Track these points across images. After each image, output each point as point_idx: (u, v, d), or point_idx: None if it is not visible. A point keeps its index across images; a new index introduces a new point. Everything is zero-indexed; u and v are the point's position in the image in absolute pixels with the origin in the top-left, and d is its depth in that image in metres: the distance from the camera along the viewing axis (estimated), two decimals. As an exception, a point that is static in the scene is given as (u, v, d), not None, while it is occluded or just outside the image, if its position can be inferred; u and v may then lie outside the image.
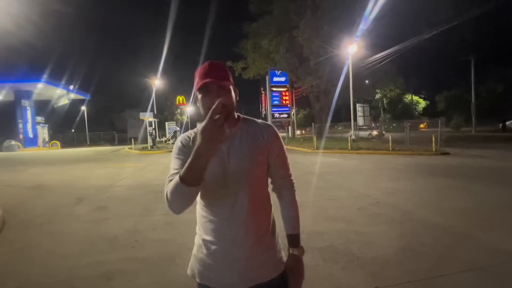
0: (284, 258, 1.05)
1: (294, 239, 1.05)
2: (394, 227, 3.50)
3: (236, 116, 1.02)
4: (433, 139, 11.35)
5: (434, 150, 11.27)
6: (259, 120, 1.07)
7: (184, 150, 0.98)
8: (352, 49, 16.87)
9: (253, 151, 0.98)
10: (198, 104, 0.99)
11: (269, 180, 1.08)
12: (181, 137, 1.04)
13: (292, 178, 1.10)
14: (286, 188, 1.08)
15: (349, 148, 13.45)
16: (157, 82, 26.88)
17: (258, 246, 0.97)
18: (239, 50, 24.81)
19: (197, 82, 0.96)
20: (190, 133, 1.03)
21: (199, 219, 1.03)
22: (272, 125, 1.07)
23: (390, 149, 12.40)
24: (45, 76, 24.92)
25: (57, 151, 25.41)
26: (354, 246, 2.96)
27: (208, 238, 0.98)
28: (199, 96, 0.96)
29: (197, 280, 1.00)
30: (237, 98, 1.01)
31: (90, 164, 11.99)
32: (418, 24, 19.44)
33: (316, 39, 19.73)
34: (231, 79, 0.98)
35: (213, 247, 0.97)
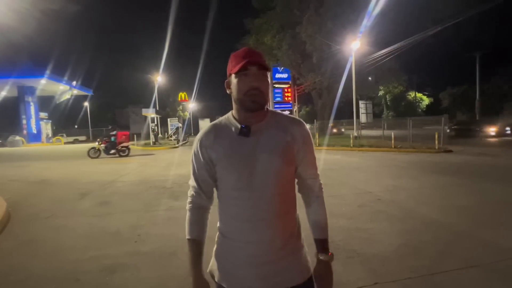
0: (310, 264, 0.97)
1: (323, 244, 0.98)
2: (395, 224, 3.51)
3: (265, 109, 0.94)
4: (436, 136, 11.29)
5: (437, 147, 11.22)
6: (288, 114, 0.99)
7: (198, 154, 0.94)
8: (355, 46, 16.73)
9: (282, 148, 0.90)
10: (231, 88, 0.91)
11: (296, 180, 1.00)
12: (201, 134, 0.96)
13: (320, 179, 1.02)
14: (315, 189, 1.00)
15: (351, 146, 13.43)
16: (159, 78, 26.89)
17: (283, 250, 0.91)
18: (242, 46, 24.52)
19: (236, 63, 0.88)
20: (213, 127, 0.95)
21: (222, 218, 0.96)
22: (302, 120, 0.99)
23: (393, 146, 12.36)
24: (48, 72, 25.00)
25: (60, 146, 25.58)
26: (354, 242, 2.98)
27: (232, 239, 0.93)
28: (235, 80, 0.89)
29: (216, 280, 0.96)
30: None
31: (93, 160, 12.07)
32: (422, 20, 19.11)
33: (319, 35, 19.58)
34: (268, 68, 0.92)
35: (237, 248, 0.92)
